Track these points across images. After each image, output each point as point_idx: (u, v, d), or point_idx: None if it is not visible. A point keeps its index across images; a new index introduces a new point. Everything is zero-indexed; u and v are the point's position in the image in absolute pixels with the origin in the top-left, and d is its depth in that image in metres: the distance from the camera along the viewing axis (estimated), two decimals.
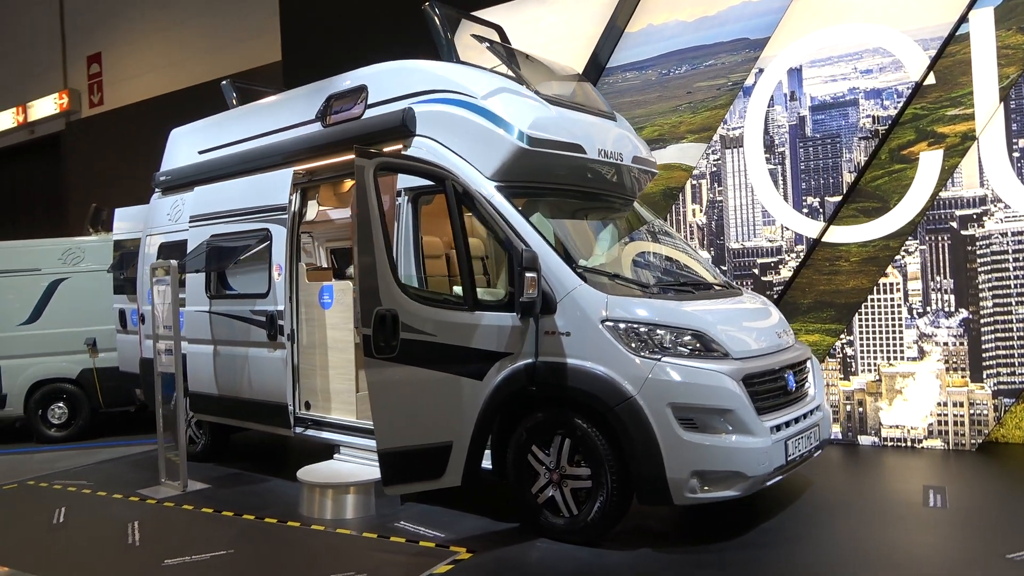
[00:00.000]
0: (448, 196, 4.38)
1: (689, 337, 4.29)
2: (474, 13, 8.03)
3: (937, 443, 6.30)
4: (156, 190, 7.79)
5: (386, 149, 5.35)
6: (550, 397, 4.43)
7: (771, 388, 4.46)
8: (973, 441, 6.20)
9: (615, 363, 4.20)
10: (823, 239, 6.94)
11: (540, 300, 4.31)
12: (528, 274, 4.20)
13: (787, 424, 4.43)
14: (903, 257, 6.50)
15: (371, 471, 5.32)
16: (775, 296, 7.08)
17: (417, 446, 4.16)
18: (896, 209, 6.63)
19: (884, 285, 6.57)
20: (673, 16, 7.83)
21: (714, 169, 7.48)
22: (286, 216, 6.02)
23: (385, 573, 4.15)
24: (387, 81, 5.58)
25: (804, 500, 5.05)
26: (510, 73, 5.29)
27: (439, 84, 5.20)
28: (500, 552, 4.35)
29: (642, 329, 4.25)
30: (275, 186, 6.10)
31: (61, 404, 9.34)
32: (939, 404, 6.31)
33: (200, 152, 7.19)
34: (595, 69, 8.20)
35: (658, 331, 4.27)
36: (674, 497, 4.09)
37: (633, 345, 4.21)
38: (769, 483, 4.31)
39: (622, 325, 4.26)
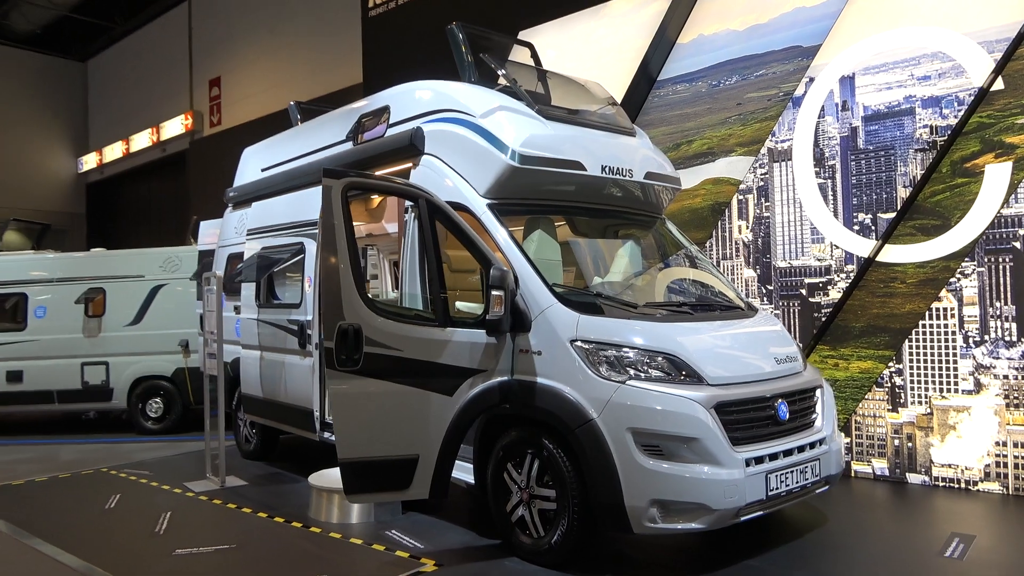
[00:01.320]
0: (421, 214, 4.48)
1: (661, 360, 4.15)
2: (527, 31, 8.14)
3: (994, 487, 5.68)
4: (228, 205, 8.41)
5: (398, 168, 5.54)
6: (523, 416, 4.42)
7: (754, 417, 4.22)
8: None
9: (580, 384, 4.13)
10: (877, 258, 6.45)
11: (509, 318, 4.31)
12: (495, 292, 4.22)
13: (772, 457, 4.18)
14: (959, 280, 5.93)
15: None
16: (822, 318, 6.66)
17: (381, 457, 4.26)
18: (958, 227, 6.06)
19: (937, 310, 6.01)
20: (724, 26, 7.56)
21: (761, 183, 7.13)
22: (316, 231, 6.35)
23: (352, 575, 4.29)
24: (405, 101, 5.77)
25: (808, 537, 4.72)
26: (516, 91, 5.31)
27: (445, 104, 5.32)
28: (465, 567, 4.38)
29: (611, 351, 4.16)
30: (308, 203, 6.45)
31: (158, 399, 10.25)
32: (997, 444, 5.69)
33: (262, 170, 7.70)
34: (646, 81, 8.06)
35: (628, 353, 4.16)
36: (633, 526, 3.96)
37: (601, 367, 4.13)
38: (745, 518, 4.07)
39: (590, 345, 4.18)
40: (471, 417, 4.43)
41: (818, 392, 4.75)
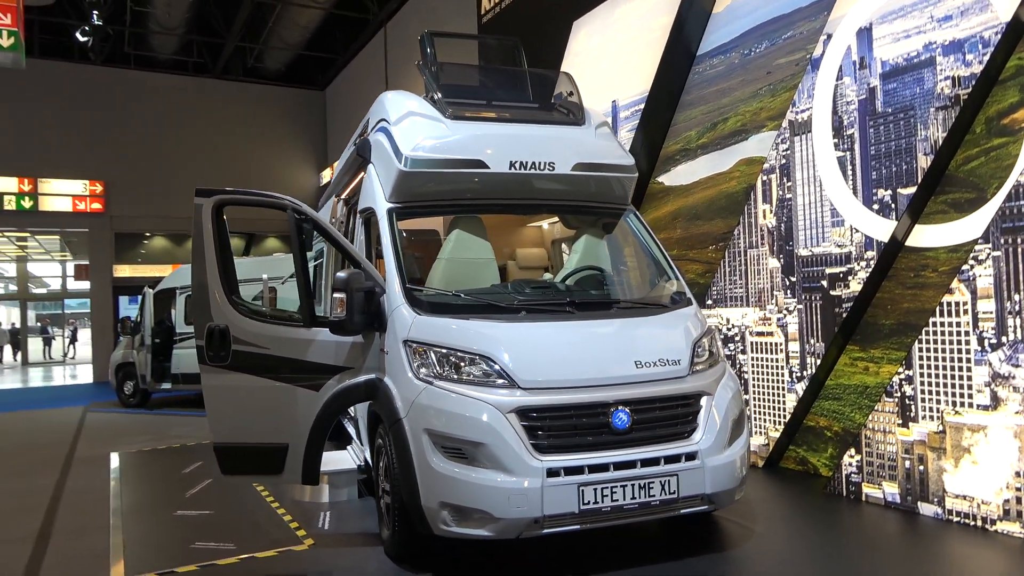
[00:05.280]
0: (289, 222, 4.83)
1: (476, 362, 4.06)
2: (582, 19, 8.05)
3: (1015, 528, 4.47)
4: None
5: (360, 176, 5.98)
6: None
7: (576, 425, 3.94)
8: None
9: (402, 384, 4.21)
10: (906, 242, 5.38)
11: (360, 318, 4.47)
12: (336, 294, 4.45)
13: (595, 468, 3.87)
14: (971, 267, 4.74)
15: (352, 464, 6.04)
16: (843, 314, 5.71)
17: (252, 444, 4.71)
18: (995, 199, 4.84)
19: (948, 305, 4.86)
20: None
21: (783, 161, 6.27)
22: None
23: (246, 546, 4.81)
24: (374, 112, 6.16)
25: (706, 558, 4.23)
26: (431, 95, 5.44)
27: (382, 113, 5.63)
28: (334, 550, 4.70)
29: (430, 351, 4.17)
30: (327, 209, 7.14)
31: None
32: (1018, 474, 4.47)
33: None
34: (686, 58, 7.47)
35: (451, 355, 4.14)
36: (432, 527, 3.96)
37: (421, 368, 4.17)
38: (552, 531, 3.82)
39: (416, 346, 4.23)
40: (336, 411, 4.70)
41: (703, 400, 4.23)
